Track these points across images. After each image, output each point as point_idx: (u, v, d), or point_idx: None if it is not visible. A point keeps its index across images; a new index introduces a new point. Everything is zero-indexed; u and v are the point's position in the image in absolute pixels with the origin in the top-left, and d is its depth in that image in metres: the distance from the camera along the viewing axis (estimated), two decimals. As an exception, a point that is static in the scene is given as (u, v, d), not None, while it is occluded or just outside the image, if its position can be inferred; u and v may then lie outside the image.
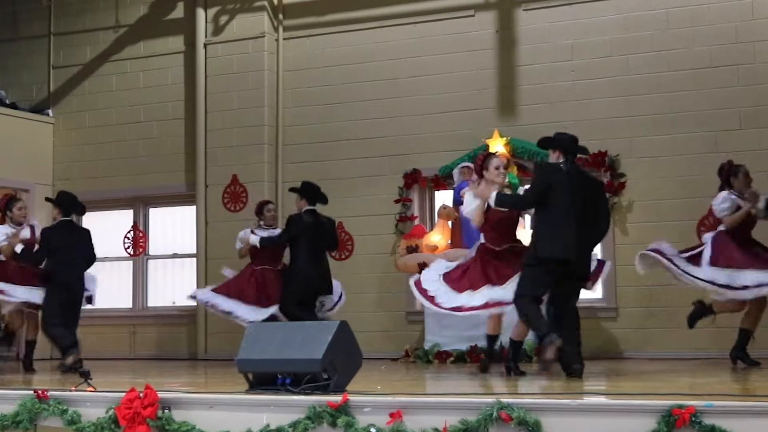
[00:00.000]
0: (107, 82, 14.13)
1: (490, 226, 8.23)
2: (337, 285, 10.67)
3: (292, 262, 10.46)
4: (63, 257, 9.85)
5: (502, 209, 8.10)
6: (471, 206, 8.22)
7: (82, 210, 10.46)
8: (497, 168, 8.19)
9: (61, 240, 9.89)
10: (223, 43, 13.29)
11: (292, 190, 10.60)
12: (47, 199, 10.73)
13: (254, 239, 10.75)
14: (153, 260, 14.01)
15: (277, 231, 10.86)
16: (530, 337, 10.56)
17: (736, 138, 10.98)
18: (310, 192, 10.43)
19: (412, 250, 11.49)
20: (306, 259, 10.26)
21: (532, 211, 8.03)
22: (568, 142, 7.88)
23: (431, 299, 8.29)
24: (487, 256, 8.19)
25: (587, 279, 7.93)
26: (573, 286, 7.84)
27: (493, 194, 8.02)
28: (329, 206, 10.58)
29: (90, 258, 10.25)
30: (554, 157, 7.90)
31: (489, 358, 8.64)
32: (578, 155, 8.02)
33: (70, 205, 10.20)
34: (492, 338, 8.54)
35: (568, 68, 11.85)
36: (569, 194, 7.64)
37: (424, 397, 5.74)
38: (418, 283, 8.44)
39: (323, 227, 10.40)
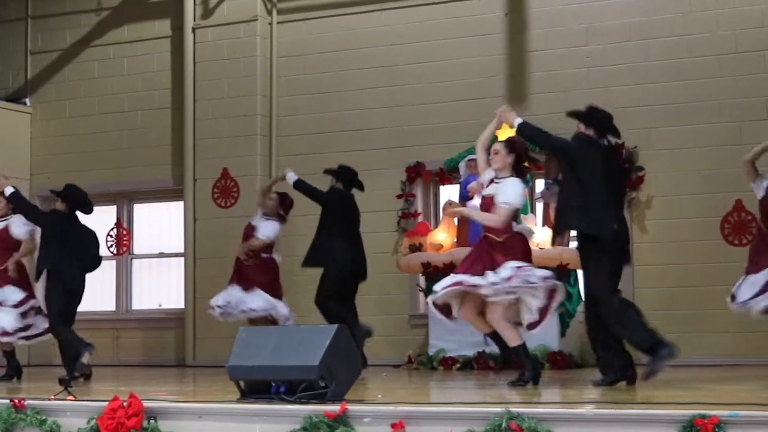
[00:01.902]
0: (89, 68, 14.12)
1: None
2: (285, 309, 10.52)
3: (323, 242, 10.12)
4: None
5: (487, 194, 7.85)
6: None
7: (90, 208, 10.20)
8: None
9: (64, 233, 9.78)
10: (212, 27, 13.29)
11: (327, 171, 10.48)
12: (52, 192, 10.46)
13: (291, 176, 10.36)
14: (138, 260, 14.01)
15: (275, 224, 10.72)
16: (540, 342, 10.59)
17: (763, 128, 10.95)
18: (348, 175, 10.33)
19: (416, 249, 11.48)
20: (345, 239, 10.05)
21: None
22: (605, 120, 7.67)
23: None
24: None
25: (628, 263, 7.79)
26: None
27: (518, 119, 7.64)
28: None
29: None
30: (585, 133, 7.63)
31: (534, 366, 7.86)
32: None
33: (78, 201, 10.00)
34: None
35: (582, 54, 11.84)
36: (605, 174, 7.46)
37: (428, 406, 5.74)
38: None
39: (358, 212, 10.36)
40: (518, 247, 7.66)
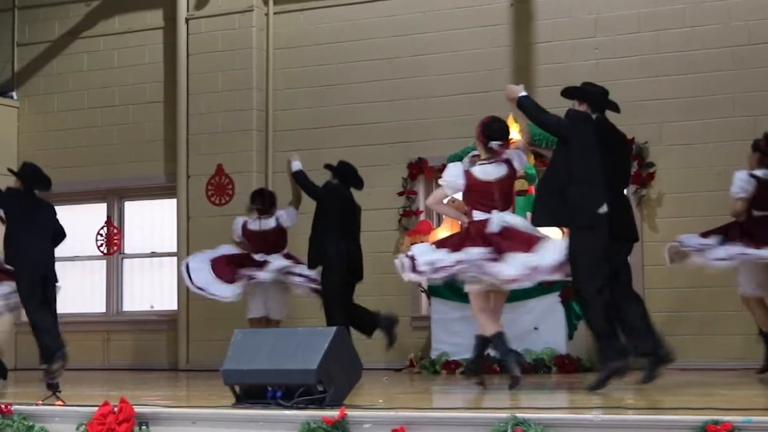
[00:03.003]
0: (78, 61, 14.12)
1: (477, 194, 8.08)
2: None
3: (318, 239, 10.14)
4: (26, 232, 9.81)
5: (488, 178, 8.00)
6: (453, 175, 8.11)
7: (47, 184, 10.36)
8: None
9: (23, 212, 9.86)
10: (206, 18, 13.29)
11: (327, 167, 10.52)
12: (10, 171, 10.62)
13: (296, 164, 10.42)
14: (129, 259, 14.02)
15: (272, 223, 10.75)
16: (547, 345, 10.60)
17: (778, 123, 10.97)
18: (345, 172, 10.33)
19: (417, 248, 11.46)
20: (338, 236, 10.04)
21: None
22: (599, 95, 7.83)
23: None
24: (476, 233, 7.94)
25: (636, 240, 7.88)
26: (622, 254, 7.71)
27: (523, 92, 7.85)
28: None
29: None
30: (580, 110, 7.79)
31: (476, 365, 8.25)
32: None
33: (33, 178, 10.14)
34: (483, 340, 8.18)
35: (591, 46, 11.84)
36: (598, 149, 7.54)
37: (430, 411, 5.75)
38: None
39: (357, 210, 10.34)
40: None
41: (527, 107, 7.89)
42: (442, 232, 11.54)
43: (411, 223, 12.23)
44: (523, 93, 7.90)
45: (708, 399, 6.57)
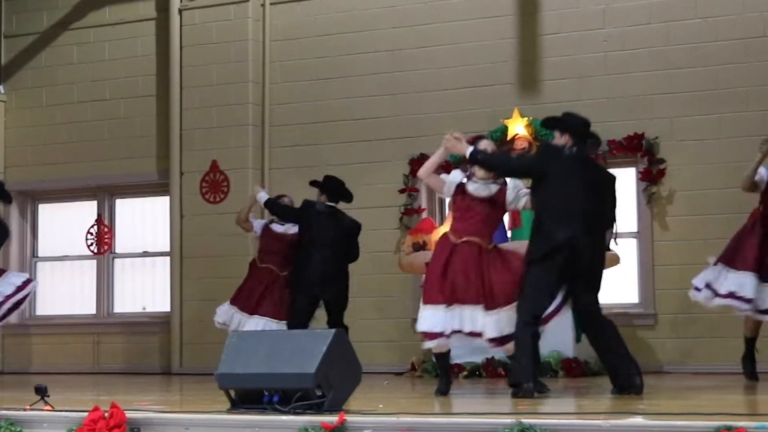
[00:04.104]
0: (67, 53, 14.11)
1: (459, 212, 8.09)
2: None
3: (298, 261, 10.31)
4: None
5: (480, 196, 7.97)
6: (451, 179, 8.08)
7: (8, 199, 10.39)
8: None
9: None
10: (200, 9, 13.28)
11: (313, 183, 10.56)
12: None
13: (262, 196, 10.56)
14: (120, 259, 14.01)
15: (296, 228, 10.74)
16: (554, 348, 10.59)
17: (794, 118, 10.98)
18: (331, 187, 10.37)
19: (419, 247, 11.47)
20: (314, 259, 10.12)
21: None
22: (580, 125, 7.82)
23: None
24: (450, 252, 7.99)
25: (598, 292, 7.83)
26: (588, 285, 7.71)
27: (470, 148, 7.81)
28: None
29: None
30: (561, 141, 7.79)
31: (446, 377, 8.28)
32: (590, 143, 7.97)
33: None
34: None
35: (599, 37, 11.83)
36: (572, 183, 7.57)
37: (432, 417, 5.75)
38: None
39: (343, 228, 10.30)
40: None
41: (484, 161, 7.84)
42: (444, 231, 11.52)
43: (412, 222, 12.22)
44: (471, 148, 7.83)
45: (720, 404, 6.58)
